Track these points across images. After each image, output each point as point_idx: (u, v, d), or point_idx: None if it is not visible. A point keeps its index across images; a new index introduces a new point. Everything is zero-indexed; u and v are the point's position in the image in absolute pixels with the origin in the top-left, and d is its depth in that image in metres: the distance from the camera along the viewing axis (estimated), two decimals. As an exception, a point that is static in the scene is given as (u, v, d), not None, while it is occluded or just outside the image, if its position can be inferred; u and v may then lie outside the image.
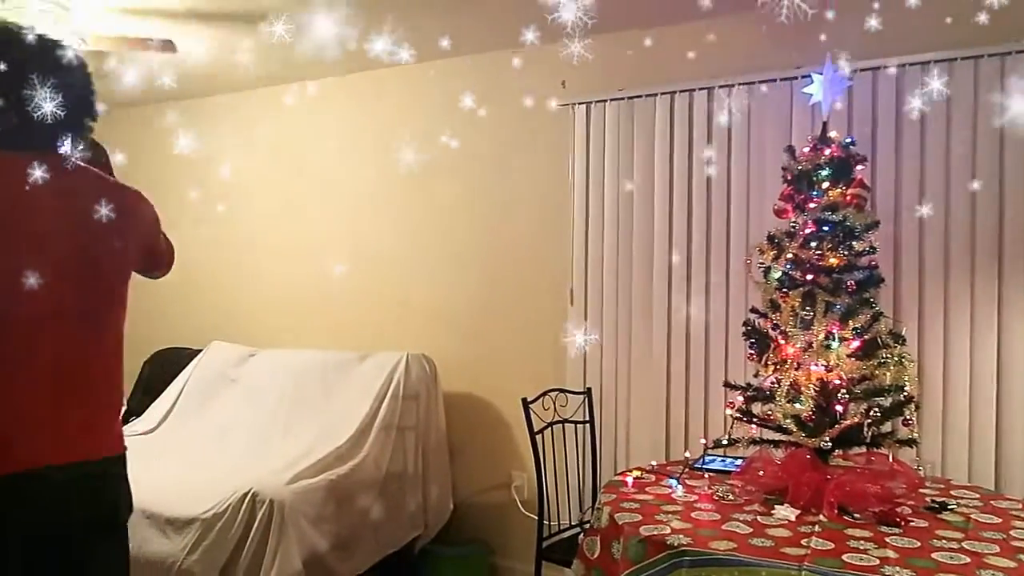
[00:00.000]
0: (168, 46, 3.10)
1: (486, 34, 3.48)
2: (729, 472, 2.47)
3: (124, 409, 4.55)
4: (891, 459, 2.28)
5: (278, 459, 3.17)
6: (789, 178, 2.43)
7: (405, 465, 3.43)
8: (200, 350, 4.21)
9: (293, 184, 4.37)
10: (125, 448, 1.73)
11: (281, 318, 4.37)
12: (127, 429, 3.89)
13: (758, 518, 2.06)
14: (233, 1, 3.15)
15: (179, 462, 3.38)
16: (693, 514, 2.09)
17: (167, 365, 4.30)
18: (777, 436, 2.32)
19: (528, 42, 3.51)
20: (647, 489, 2.35)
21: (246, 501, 2.82)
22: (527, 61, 3.60)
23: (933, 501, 2.19)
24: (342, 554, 3.03)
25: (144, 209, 1.79)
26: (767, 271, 2.38)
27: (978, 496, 2.32)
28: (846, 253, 2.28)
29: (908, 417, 2.23)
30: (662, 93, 3.29)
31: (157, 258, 1.90)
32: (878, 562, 1.73)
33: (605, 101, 3.42)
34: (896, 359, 2.22)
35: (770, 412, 2.29)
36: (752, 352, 2.41)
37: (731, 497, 2.24)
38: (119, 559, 1.72)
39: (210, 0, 3.14)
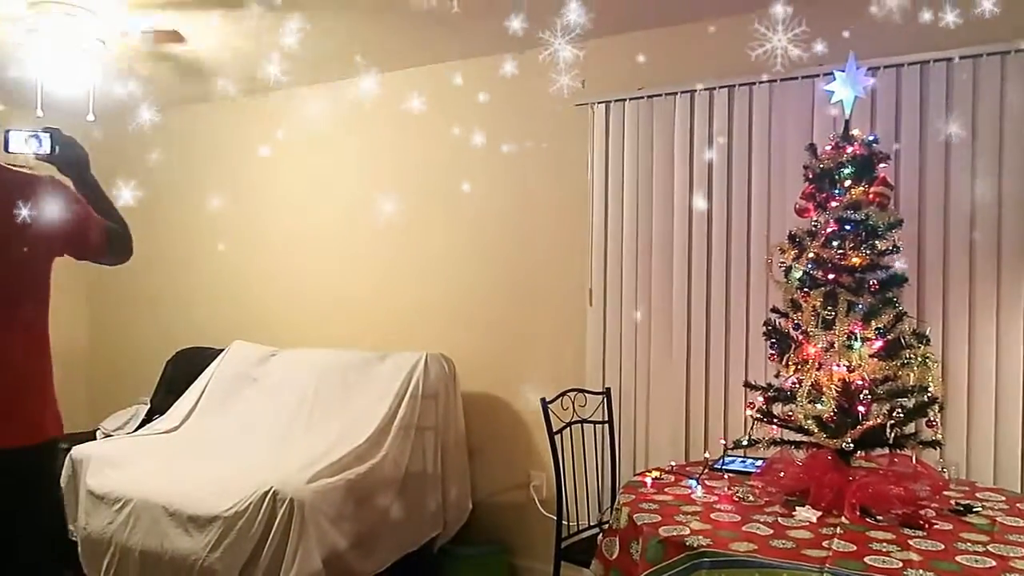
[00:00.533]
0: (175, 36, 3.13)
1: (503, 35, 3.47)
2: (749, 473, 2.45)
3: (149, 409, 4.61)
4: (914, 461, 2.25)
5: (298, 458, 3.19)
6: (811, 176, 2.40)
7: (424, 464, 3.45)
8: (222, 349, 4.26)
9: (314, 185, 4.40)
10: (53, 437, 1.81)
11: (302, 318, 4.40)
12: (150, 427, 3.97)
13: (779, 520, 2.04)
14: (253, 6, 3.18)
15: (201, 460, 3.41)
16: (713, 515, 2.08)
17: (189, 364, 4.35)
18: (798, 437, 2.29)
19: (547, 42, 3.51)
20: (666, 490, 2.34)
21: (267, 499, 2.84)
22: (546, 61, 3.59)
23: (957, 503, 2.16)
24: (361, 553, 3.05)
25: (54, 194, 1.79)
26: (788, 270, 2.36)
27: (1004, 499, 2.28)
28: (868, 252, 2.25)
29: (932, 418, 2.20)
30: (681, 92, 3.28)
31: (86, 243, 1.91)
32: (901, 565, 1.71)
33: (624, 100, 3.41)
34: (920, 360, 2.18)
35: (791, 413, 2.27)
36: (773, 352, 2.39)
37: (751, 498, 2.22)
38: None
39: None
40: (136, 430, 4.11)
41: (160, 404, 4.30)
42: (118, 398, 4.72)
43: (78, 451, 3.48)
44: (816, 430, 2.20)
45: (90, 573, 3.23)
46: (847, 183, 2.30)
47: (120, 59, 3.58)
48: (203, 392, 4.03)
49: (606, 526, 2.32)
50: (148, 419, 4.25)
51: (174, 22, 3.29)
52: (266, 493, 2.85)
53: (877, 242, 2.26)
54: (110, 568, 3.12)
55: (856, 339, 2.18)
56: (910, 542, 1.86)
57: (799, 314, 2.31)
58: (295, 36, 3.50)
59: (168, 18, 3.25)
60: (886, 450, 2.24)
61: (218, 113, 4.70)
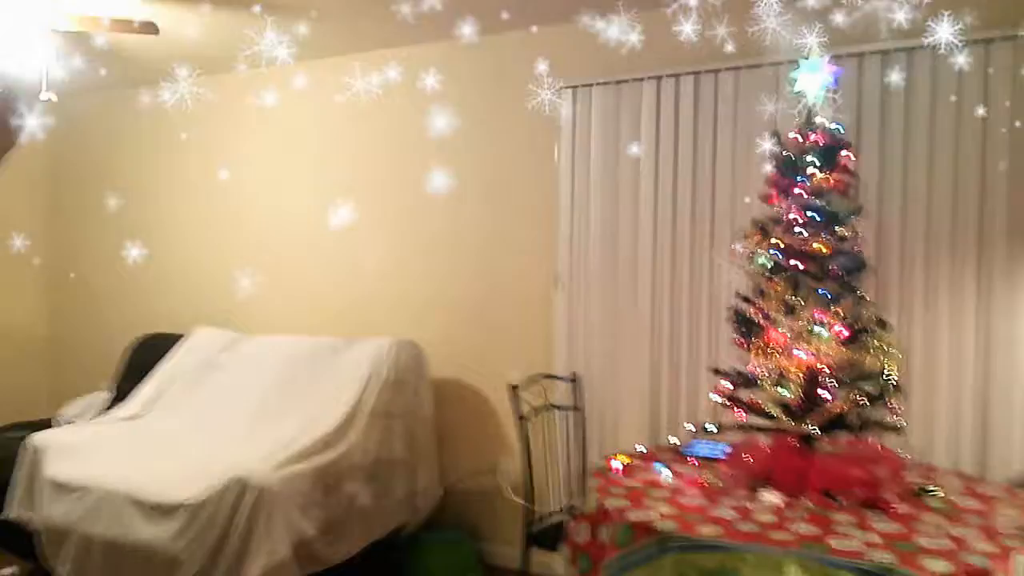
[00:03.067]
0: (150, 27, 3.05)
1: (472, 18, 3.44)
2: (716, 458, 2.49)
3: (111, 396, 4.54)
4: (876, 445, 2.30)
5: (265, 445, 3.15)
6: (775, 164, 2.42)
7: (393, 451, 3.43)
8: (184, 335, 4.18)
9: (281, 170, 4.33)
10: None
11: (267, 305, 4.34)
12: (112, 414, 3.90)
13: (744, 503, 2.07)
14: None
15: (165, 448, 3.36)
16: (680, 500, 2.11)
17: (151, 351, 4.26)
18: (763, 422, 2.32)
19: (515, 26, 3.48)
20: (634, 475, 2.36)
21: (233, 487, 2.81)
22: (515, 46, 3.58)
23: (917, 486, 2.22)
24: (330, 540, 3.03)
25: None
26: (753, 257, 2.38)
27: (961, 481, 2.34)
28: (831, 239, 2.28)
29: (893, 403, 2.25)
30: (649, 78, 3.28)
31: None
32: (863, 546, 1.74)
33: (592, 85, 3.41)
34: (881, 346, 2.23)
35: (756, 398, 2.30)
36: (738, 338, 2.42)
37: (718, 483, 2.25)
38: None
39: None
40: (95, 418, 4.03)
41: (122, 391, 4.21)
42: (79, 386, 4.63)
43: (38, 439, 3.40)
44: (781, 415, 2.23)
45: (51, 563, 3.17)
46: (810, 170, 2.33)
47: (78, 41, 3.47)
48: (166, 379, 3.96)
49: (575, 511, 2.33)
50: (109, 406, 4.17)
51: (134, 6, 3.20)
52: (232, 481, 2.82)
53: (839, 229, 2.29)
54: (71, 558, 3.07)
55: (820, 325, 2.21)
56: (871, 524, 1.90)
57: (764, 300, 2.34)
58: (256, 20, 3.44)
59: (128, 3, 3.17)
60: (849, 434, 2.28)
61: (178, 97, 4.58)
